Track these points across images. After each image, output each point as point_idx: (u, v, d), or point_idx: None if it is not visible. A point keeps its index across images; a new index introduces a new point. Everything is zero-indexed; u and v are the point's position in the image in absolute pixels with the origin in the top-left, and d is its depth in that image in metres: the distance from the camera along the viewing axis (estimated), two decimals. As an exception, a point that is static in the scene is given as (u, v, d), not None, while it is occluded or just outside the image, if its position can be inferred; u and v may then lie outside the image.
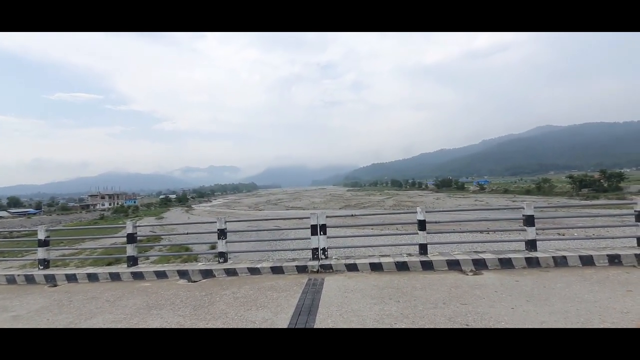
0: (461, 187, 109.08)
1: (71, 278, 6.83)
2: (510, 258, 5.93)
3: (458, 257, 6.10)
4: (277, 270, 6.43)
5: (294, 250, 9.62)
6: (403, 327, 3.74)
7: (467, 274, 5.63)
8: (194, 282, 6.27)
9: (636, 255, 5.76)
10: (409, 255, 6.59)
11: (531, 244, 6.35)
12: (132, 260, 7.06)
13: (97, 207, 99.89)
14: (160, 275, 6.63)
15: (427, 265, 6.06)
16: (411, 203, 64.33)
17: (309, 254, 6.90)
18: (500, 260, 5.91)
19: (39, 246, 7.30)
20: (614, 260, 5.77)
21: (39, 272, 7.02)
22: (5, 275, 7.10)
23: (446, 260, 6.03)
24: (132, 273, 6.71)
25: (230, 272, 6.50)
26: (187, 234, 7.50)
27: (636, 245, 6.32)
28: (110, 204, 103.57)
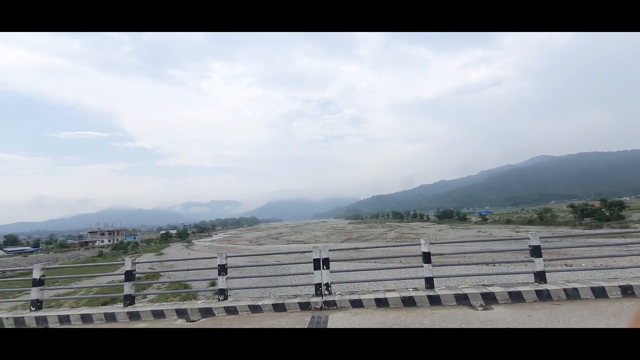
0: (463, 218, 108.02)
1: (64, 320, 6.55)
2: (520, 291, 5.73)
3: (466, 291, 5.90)
4: (279, 307, 6.19)
5: (296, 285, 9.36)
6: None
7: (477, 309, 5.41)
8: (193, 321, 6.02)
9: (650, 286, 5.57)
10: (415, 289, 6.37)
11: (540, 276, 6.16)
12: (129, 299, 6.82)
13: (97, 244, 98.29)
14: (158, 314, 6.36)
15: (435, 300, 5.84)
16: (413, 235, 63.36)
17: (312, 290, 6.69)
18: (510, 293, 5.70)
19: (33, 285, 7.07)
20: (627, 291, 5.57)
21: (30, 315, 6.74)
22: None
23: (454, 294, 5.83)
24: (128, 313, 6.44)
25: (231, 311, 6.25)
26: (187, 270, 7.31)
27: (648, 275, 6.13)
28: (109, 241, 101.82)
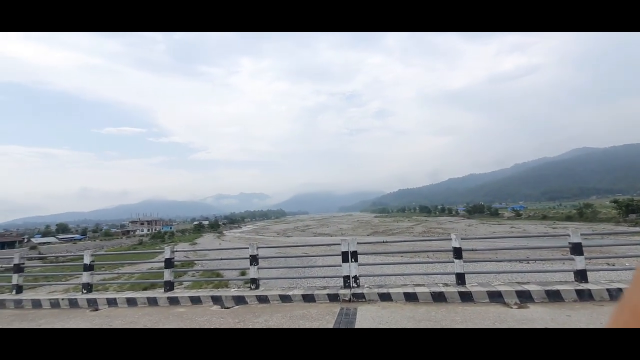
0: (495, 213, 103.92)
1: (112, 302, 7.10)
2: (558, 290, 5.49)
3: (500, 288, 5.74)
4: (308, 298, 6.35)
5: (323, 277, 9.50)
6: None
7: (511, 307, 5.26)
8: (227, 308, 6.31)
9: None
10: (446, 285, 6.28)
11: (581, 275, 5.87)
12: (169, 285, 7.25)
13: (137, 232, 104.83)
14: (195, 300, 6.74)
15: (466, 297, 5.74)
16: (441, 230, 61.85)
17: (339, 282, 6.78)
18: (547, 292, 5.48)
19: (84, 270, 7.70)
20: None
21: (82, 296, 7.35)
22: (50, 299, 7.44)
23: (487, 291, 5.69)
24: (168, 298, 6.87)
25: (262, 299, 6.49)
26: (221, 259, 7.66)
27: None
28: (148, 230, 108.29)
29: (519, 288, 5.65)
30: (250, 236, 72.49)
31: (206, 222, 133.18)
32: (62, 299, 7.37)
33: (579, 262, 5.90)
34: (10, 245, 74.12)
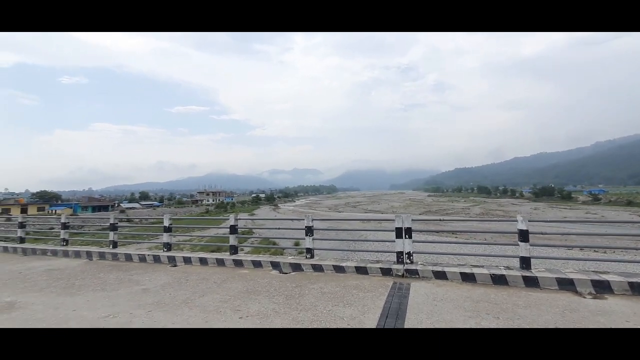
0: (567, 197, 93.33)
1: (187, 260, 8.07)
2: (645, 283, 4.91)
3: (572, 275, 5.30)
4: (361, 270, 6.53)
5: (374, 252, 9.63)
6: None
7: (585, 297, 4.86)
8: (285, 273, 6.79)
9: None
10: (508, 268, 5.98)
11: (676, 269, 5.15)
12: (234, 249, 7.99)
13: (204, 202, 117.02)
14: (257, 264, 7.36)
15: (531, 282, 5.42)
16: (502, 212, 57.61)
17: (392, 257, 6.82)
18: (631, 284, 4.93)
19: (164, 231, 8.80)
20: None
21: (163, 254, 8.45)
22: (138, 254, 8.71)
23: (556, 278, 5.30)
24: (233, 260, 7.60)
25: (317, 268, 6.84)
26: (278, 229, 8.17)
27: None
28: (213, 200, 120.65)
29: (596, 277, 5.16)
30: (302, 210, 75.43)
31: (263, 195, 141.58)
32: (148, 255, 8.56)
33: (675, 255, 5.16)
34: (105, 208, 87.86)
